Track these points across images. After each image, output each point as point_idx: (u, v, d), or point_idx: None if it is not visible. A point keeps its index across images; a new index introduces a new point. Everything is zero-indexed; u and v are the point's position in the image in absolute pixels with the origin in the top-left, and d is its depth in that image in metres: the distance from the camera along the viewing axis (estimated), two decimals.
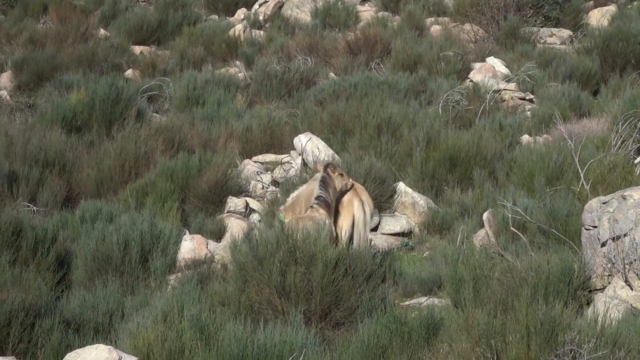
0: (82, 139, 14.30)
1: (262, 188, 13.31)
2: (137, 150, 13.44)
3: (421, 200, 12.19)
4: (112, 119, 14.80)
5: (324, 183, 9.88)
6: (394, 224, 11.81)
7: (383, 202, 11.99)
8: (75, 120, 14.92)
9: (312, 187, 10.12)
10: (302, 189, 10.34)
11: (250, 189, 13.25)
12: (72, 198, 13.01)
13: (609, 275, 8.86)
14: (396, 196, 12.12)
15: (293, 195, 10.33)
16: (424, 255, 11.38)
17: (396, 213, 12.07)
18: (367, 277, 9.07)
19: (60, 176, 13.09)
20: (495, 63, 19.09)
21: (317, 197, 9.76)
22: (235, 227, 11.61)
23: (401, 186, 12.23)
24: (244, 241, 9.39)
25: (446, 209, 12.13)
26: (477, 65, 19.00)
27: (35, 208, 12.27)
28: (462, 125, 15.13)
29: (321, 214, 9.62)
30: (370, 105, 14.58)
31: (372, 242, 10.83)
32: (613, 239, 8.89)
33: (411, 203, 12.14)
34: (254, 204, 12.60)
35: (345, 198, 9.93)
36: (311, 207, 9.78)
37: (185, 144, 14.28)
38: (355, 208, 9.91)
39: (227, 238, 11.32)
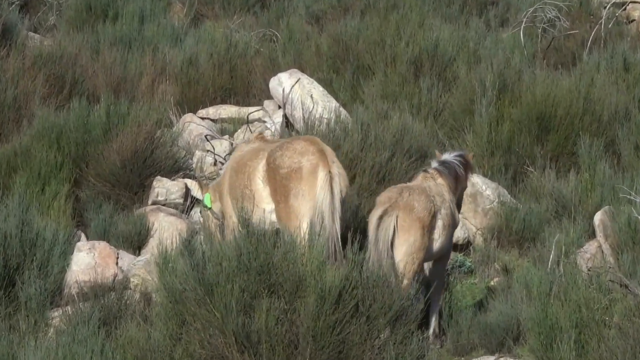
0: None
1: (215, 163, 13.32)
2: (0, 95, 13.47)
3: (488, 189, 12.30)
4: None
5: (466, 160, 10.45)
6: None
7: None
8: None
9: (250, 148, 10.34)
10: (236, 155, 10.58)
11: (194, 165, 13.32)
12: None
13: None
14: None
15: (226, 166, 10.44)
16: (492, 283, 11.47)
17: None
18: (393, 320, 9.12)
19: None
20: None
21: (447, 162, 10.24)
22: (166, 229, 11.71)
23: None
24: (182, 254, 9.36)
25: (530, 205, 12.23)
26: None
27: None
28: (559, 63, 15.19)
29: (438, 184, 10.04)
30: (403, 25, 14.61)
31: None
32: None
33: (471, 193, 12.19)
34: (198, 190, 12.54)
35: (306, 164, 10.06)
36: (424, 170, 10.17)
37: (84, 86, 14.37)
38: (320, 183, 9.95)
39: (152, 248, 11.33)
